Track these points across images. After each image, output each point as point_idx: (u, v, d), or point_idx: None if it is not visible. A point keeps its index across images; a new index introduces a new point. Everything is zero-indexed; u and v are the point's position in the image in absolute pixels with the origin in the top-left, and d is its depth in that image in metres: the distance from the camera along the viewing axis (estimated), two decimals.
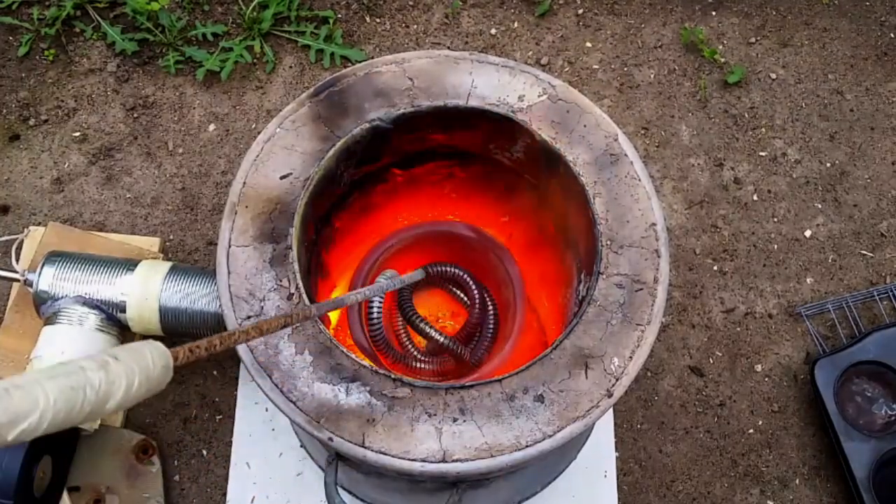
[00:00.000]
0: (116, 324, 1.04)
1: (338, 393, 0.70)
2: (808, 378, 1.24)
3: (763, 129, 1.42)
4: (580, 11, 1.50)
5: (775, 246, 1.34)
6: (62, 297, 1.03)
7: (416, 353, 1.06)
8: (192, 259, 1.29)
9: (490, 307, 1.09)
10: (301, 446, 1.11)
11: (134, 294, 1.03)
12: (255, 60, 1.43)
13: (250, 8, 1.44)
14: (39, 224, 1.27)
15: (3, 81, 1.41)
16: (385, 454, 0.68)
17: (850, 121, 1.43)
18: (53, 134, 1.38)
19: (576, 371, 0.72)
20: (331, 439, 0.68)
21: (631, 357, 0.73)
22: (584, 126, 0.83)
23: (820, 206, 1.37)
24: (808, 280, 1.32)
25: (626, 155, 0.81)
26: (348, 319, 1.02)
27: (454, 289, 1.13)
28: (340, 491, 0.74)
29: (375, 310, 0.98)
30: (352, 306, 1.01)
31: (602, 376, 0.72)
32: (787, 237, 1.34)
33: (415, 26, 1.48)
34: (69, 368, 0.38)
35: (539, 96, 0.84)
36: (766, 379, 1.26)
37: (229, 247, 0.76)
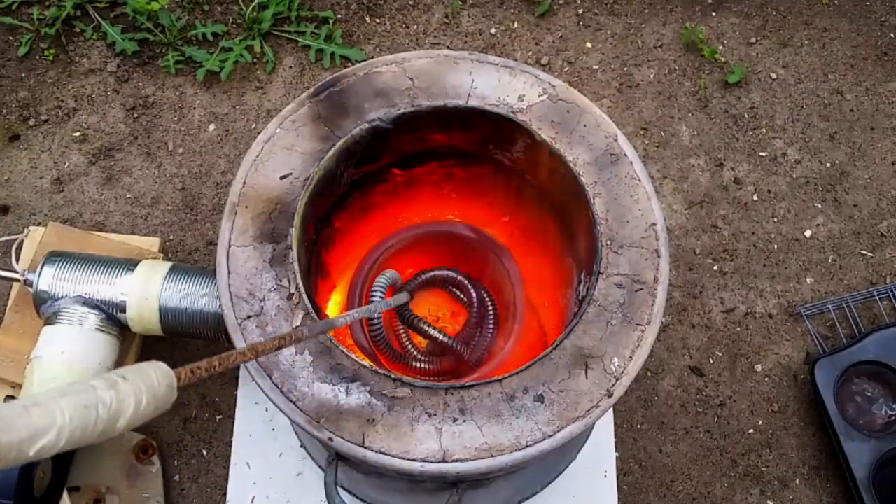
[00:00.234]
0: (116, 324, 1.04)
1: (338, 393, 0.70)
2: (808, 378, 1.24)
3: (763, 129, 1.42)
4: (580, 11, 1.50)
5: (775, 246, 1.34)
6: (62, 297, 1.03)
7: (415, 353, 1.06)
8: (192, 259, 1.29)
9: (490, 307, 1.09)
10: (301, 446, 1.11)
11: (134, 294, 1.03)
12: (255, 60, 1.43)
13: (250, 8, 1.44)
14: (39, 224, 1.27)
15: (3, 81, 1.41)
16: (385, 454, 0.68)
17: (850, 121, 1.43)
18: (53, 134, 1.38)
19: (576, 371, 0.72)
20: (331, 439, 0.68)
21: (631, 357, 0.73)
22: (584, 126, 0.83)
23: (820, 206, 1.37)
24: (808, 280, 1.32)
25: (625, 155, 0.81)
26: None
27: (453, 289, 1.13)
28: (340, 491, 0.74)
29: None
30: (352, 306, 1.01)
31: (602, 376, 0.72)
32: (787, 237, 1.34)
33: (415, 26, 1.48)
34: (81, 387, 0.40)
35: (539, 96, 0.84)
36: (766, 379, 1.26)
37: (229, 247, 0.76)
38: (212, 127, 1.38)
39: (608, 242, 0.78)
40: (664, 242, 0.78)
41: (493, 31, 1.48)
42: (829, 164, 1.40)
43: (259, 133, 0.83)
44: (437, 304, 1.14)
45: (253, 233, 0.77)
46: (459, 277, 1.08)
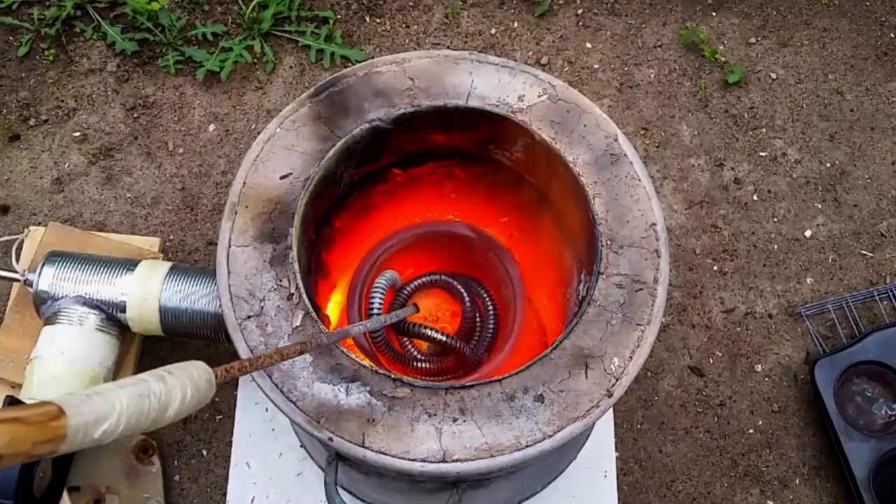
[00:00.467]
0: (116, 324, 1.04)
1: (338, 393, 0.70)
2: (808, 378, 1.24)
3: (763, 129, 1.42)
4: (580, 11, 1.50)
5: (775, 246, 1.34)
6: (62, 297, 1.03)
7: (415, 353, 1.06)
8: (192, 259, 1.29)
9: (489, 307, 1.09)
10: (301, 446, 1.11)
11: (134, 294, 1.03)
12: (255, 60, 1.43)
13: (250, 8, 1.44)
14: (39, 224, 1.27)
15: (3, 81, 1.41)
16: (385, 454, 0.68)
17: (850, 121, 1.43)
18: (53, 134, 1.38)
19: (576, 371, 0.72)
20: (331, 439, 0.68)
21: (631, 357, 0.73)
22: (584, 126, 0.83)
23: (820, 206, 1.37)
24: (808, 280, 1.32)
25: (625, 155, 0.81)
26: (348, 319, 1.02)
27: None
28: (340, 491, 0.74)
29: (375, 311, 0.98)
30: (352, 307, 1.01)
31: (602, 376, 0.72)
32: (787, 237, 1.34)
33: (415, 26, 1.48)
34: (135, 380, 0.45)
35: (539, 96, 0.84)
36: (766, 379, 1.26)
37: (229, 247, 0.76)
38: (212, 127, 1.38)
39: (608, 242, 0.78)
40: (664, 242, 0.78)
41: (493, 31, 1.48)
42: (829, 164, 1.40)
43: (259, 133, 0.83)
44: (437, 304, 1.14)
45: (253, 233, 0.77)
46: (455, 283, 1.08)
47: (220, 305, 0.80)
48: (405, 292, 1.08)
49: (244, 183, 0.79)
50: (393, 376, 0.71)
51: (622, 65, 1.46)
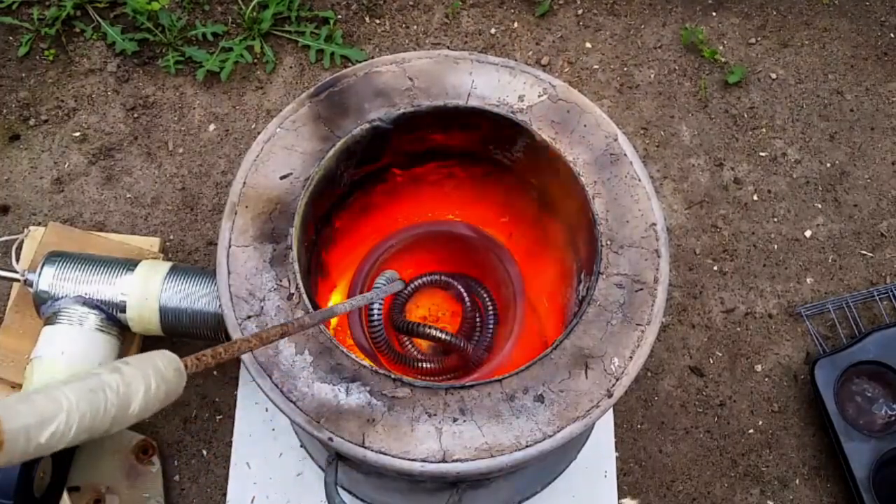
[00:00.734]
0: (116, 324, 1.04)
1: (338, 393, 0.70)
2: (808, 378, 1.24)
3: (763, 130, 1.42)
4: (580, 12, 1.50)
5: (775, 246, 1.34)
6: (62, 297, 1.03)
7: (416, 353, 1.06)
8: (192, 259, 1.29)
9: (489, 307, 1.09)
10: (301, 446, 1.11)
11: (134, 294, 1.03)
12: (255, 60, 1.43)
13: (250, 8, 1.44)
14: (39, 224, 1.27)
15: (3, 81, 1.41)
16: (385, 454, 0.68)
17: (850, 121, 1.43)
18: (53, 134, 1.38)
19: (576, 371, 0.72)
20: (331, 439, 0.68)
21: (631, 357, 0.73)
22: (584, 126, 0.83)
23: (820, 206, 1.37)
24: (808, 280, 1.32)
25: (625, 155, 0.81)
26: (348, 320, 1.02)
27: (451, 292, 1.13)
28: (340, 491, 0.74)
29: (376, 310, 0.98)
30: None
31: (602, 376, 0.72)
32: (787, 237, 1.34)
33: (415, 26, 1.48)
34: (84, 374, 0.40)
35: (539, 96, 0.84)
36: (766, 379, 1.26)
37: (229, 247, 0.76)
38: (212, 127, 1.38)
39: (608, 242, 0.78)
40: (664, 242, 0.78)
41: (493, 31, 1.48)
42: (829, 164, 1.40)
43: (259, 133, 0.83)
44: (437, 304, 1.14)
45: (253, 233, 0.77)
46: (455, 283, 1.08)
47: (220, 305, 0.80)
48: (405, 293, 1.08)
49: (244, 183, 0.79)
50: (393, 376, 0.71)
51: (622, 65, 1.46)
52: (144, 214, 1.32)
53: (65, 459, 1.06)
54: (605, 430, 1.15)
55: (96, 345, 1.02)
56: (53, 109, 1.39)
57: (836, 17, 1.52)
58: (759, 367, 1.26)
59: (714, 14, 1.51)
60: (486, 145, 0.91)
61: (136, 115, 1.39)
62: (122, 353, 1.08)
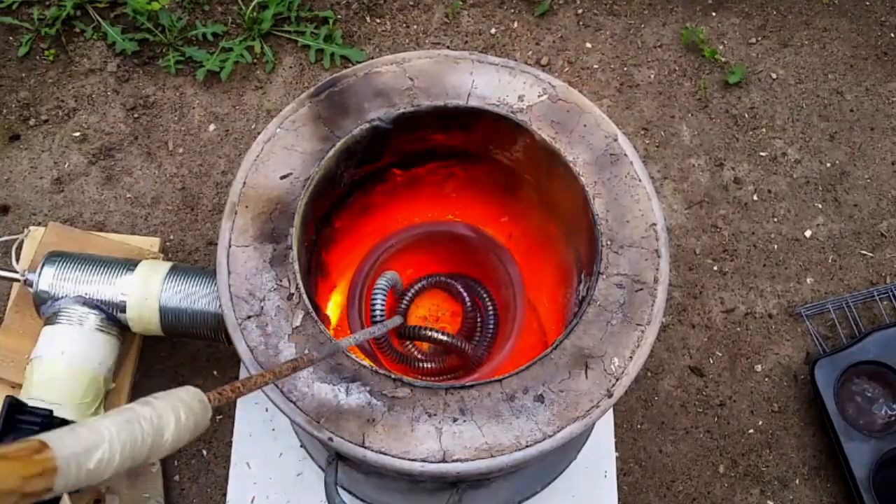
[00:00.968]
0: (116, 324, 1.04)
1: (338, 393, 0.70)
2: (808, 378, 1.24)
3: (763, 129, 1.42)
4: (580, 11, 1.50)
5: (775, 246, 1.34)
6: (62, 297, 1.03)
7: (416, 353, 1.06)
8: (192, 259, 1.29)
9: (489, 307, 1.09)
10: (301, 446, 1.11)
11: (134, 294, 1.03)
12: (255, 60, 1.43)
13: (250, 8, 1.44)
14: (39, 224, 1.27)
15: (3, 81, 1.41)
16: (385, 454, 0.68)
17: (850, 121, 1.43)
18: (53, 134, 1.38)
19: (576, 371, 0.72)
20: (331, 439, 0.68)
21: (631, 357, 0.73)
22: (584, 126, 0.83)
23: (820, 206, 1.37)
24: (808, 280, 1.32)
25: (626, 155, 0.81)
26: (348, 320, 1.02)
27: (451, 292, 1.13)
28: (340, 491, 0.74)
29: (378, 312, 0.98)
30: (352, 307, 1.01)
31: (602, 376, 0.72)
32: (787, 237, 1.34)
33: (415, 26, 1.48)
34: (119, 409, 0.44)
35: (539, 96, 0.84)
36: (766, 379, 1.26)
37: (229, 247, 0.76)
38: (212, 127, 1.38)
39: (608, 242, 0.78)
40: (664, 242, 0.78)
41: (493, 31, 1.48)
42: (829, 164, 1.40)
43: (259, 133, 0.83)
44: (437, 304, 1.14)
45: (253, 233, 0.77)
46: (456, 284, 1.08)
47: (220, 305, 0.80)
48: (406, 298, 1.08)
49: (244, 183, 0.79)
50: (393, 376, 0.71)
51: (622, 65, 1.46)
52: (144, 214, 1.32)
53: None
54: (605, 430, 1.15)
55: (96, 345, 1.02)
56: (53, 109, 1.39)
57: (836, 17, 1.52)
58: (759, 367, 1.26)
59: (714, 14, 1.51)
60: (486, 145, 0.91)
61: (136, 115, 1.39)
62: (122, 353, 1.08)
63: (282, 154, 0.81)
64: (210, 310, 1.03)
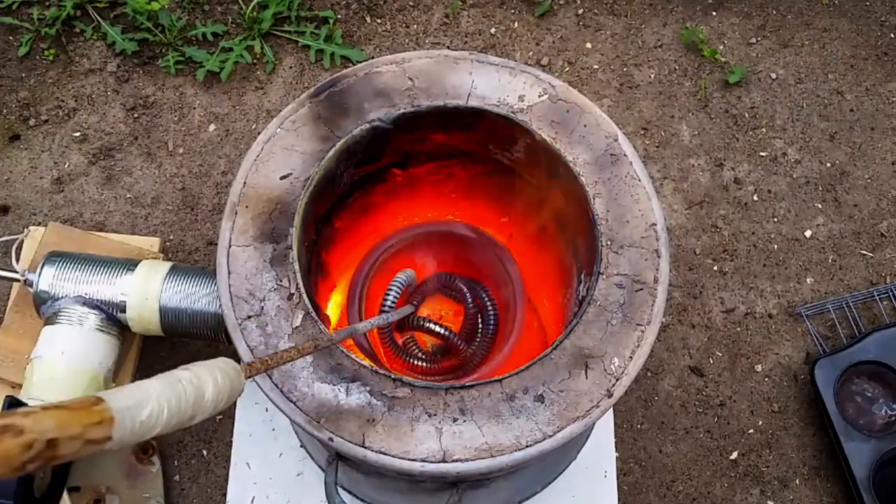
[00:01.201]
0: (116, 324, 1.04)
1: (338, 393, 0.70)
2: (808, 378, 1.24)
3: (763, 130, 1.42)
4: (580, 11, 1.50)
5: (775, 246, 1.34)
6: (62, 297, 1.03)
7: (417, 351, 1.06)
8: (192, 259, 1.29)
9: (489, 307, 1.09)
10: (301, 446, 1.11)
11: (134, 294, 1.03)
12: (255, 61, 1.43)
13: (250, 8, 1.44)
14: (39, 224, 1.27)
15: (3, 81, 1.41)
16: (385, 454, 0.68)
17: (850, 121, 1.43)
18: (53, 134, 1.38)
19: (576, 371, 0.72)
20: (331, 439, 0.68)
21: (631, 357, 0.73)
22: (584, 126, 0.83)
23: (820, 206, 1.37)
24: (808, 280, 1.32)
25: (626, 155, 0.81)
26: (348, 320, 1.02)
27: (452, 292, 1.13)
28: (340, 491, 0.74)
29: (389, 304, 0.99)
30: (352, 307, 1.01)
31: (602, 376, 0.72)
32: (787, 237, 1.34)
33: (415, 26, 1.48)
34: (160, 375, 0.46)
35: (539, 96, 0.84)
36: (766, 379, 1.26)
37: (229, 247, 0.76)
38: (212, 127, 1.38)
39: (608, 242, 0.78)
40: (664, 242, 0.78)
41: (493, 31, 1.48)
42: (829, 164, 1.40)
43: (259, 133, 0.83)
44: (438, 304, 1.14)
45: (253, 233, 0.77)
46: (460, 285, 1.09)
47: (220, 305, 0.80)
48: (418, 296, 1.09)
49: (244, 183, 0.79)
50: (393, 376, 0.71)
51: (622, 65, 1.46)
52: (144, 214, 1.32)
53: None
54: (605, 430, 1.15)
55: (96, 345, 1.02)
56: (53, 109, 1.39)
57: (836, 17, 1.52)
58: (759, 367, 1.26)
59: (714, 14, 1.51)
60: (486, 145, 0.91)
61: (136, 115, 1.39)
62: (122, 353, 1.08)
63: (282, 154, 0.81)
64: (210, 310, 1.03)
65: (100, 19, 1.44)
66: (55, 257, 1.05)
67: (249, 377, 0.55)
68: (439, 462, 0.68)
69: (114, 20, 1.45)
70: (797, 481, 1.21)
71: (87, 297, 1.03)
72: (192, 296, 1.03)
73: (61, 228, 1.17)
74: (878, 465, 1.14)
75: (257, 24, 1.43)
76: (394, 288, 0.98)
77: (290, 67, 1.43)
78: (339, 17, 1.48)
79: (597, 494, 1.11)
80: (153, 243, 1.22)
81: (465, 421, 0.70)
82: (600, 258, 0.77)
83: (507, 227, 1.07)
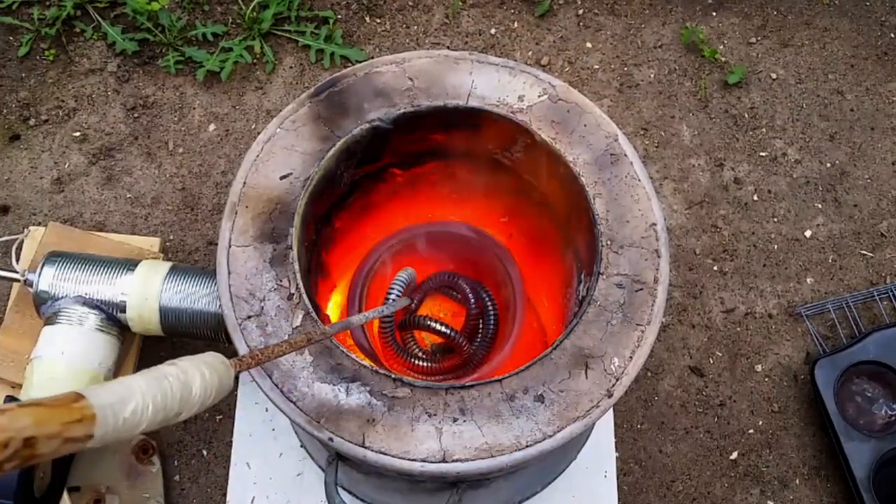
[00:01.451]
0: (116, 324, 1.04)
1: (338, 393, 0.70)
2: (808, 378, 1.24)
3: (763, 130, 1.42)
4: (580, 11, 1.50)
5: (775, 246, 1.34)
6: (62, 297, 1.03)
7: (418, 350, 1.06)
8: (192, 259, 1.29)
9: (489, 307, 1.09)
10: (301, 446, 1.11)
11: (134, 294, 1.03)
12: (255, 60, 1.43)
13: (250, 8, 1.44)
14: (39, 224, 1.27)
15: (3, 81, 1.41)
16: (385, 454, 0.68)
17: (850, 121, 1.43)
18: (53, 134, 1.38)
19: (576, 371, 0.72)
20: (331, 439, 0.68)
21: (631, 357, 0.73)
22: (584, 126, 0.83)
23: (820, 206, 1.37)
24: (808, 280, 1.32)
25: (626, 155, 0.81)
26: None
27: (453, 292, 1.13)
28: (340, 491, 0.74)
29: (391, 300, 0.99)
30: (352, 307, 1.01)
31: (602, 376, 0.72)
32: (787, 237, 1.34)
33: (415, 26, 1.48)
34: (144, 371, 0.46)
35: (539, 96, 0.84)
36: (766, 379, 1.26)
37: (229, 247, 0.76)
38: (212, 127, 1.38)
39: (608, 242, 0.78)
40: (664, 242, 0.78)
41: (493, 31, 1.48)
42: (829, 164, 1.40)
43: (259, 133, 0.83)
44: (438, 304, 1.14)
45: (253, 233, 0.77)
46: (460, 282, 1.09)
47: (220, 305, 0.80)
48: (419, 294, 1.09)
49: (244, 183, 0.79)
50: (393, 376, 0.71)
51: (622, 65, 1.46)
52: (144, 214, 1.32)
53: (65, 459, 1.05)
54: (605, 430, 1.14)
55: (96, 345, 1.02)
56: (53, 109, 1.39)
57: (836, 17, 1.52)
58: (759, 367, 1.26)
59: (714, 14, 1.51)
60: (486, 145, 0.91)
61: (136, 115, 1.39)
62: (122, 353, 1.08)
63: (282, 154, 0.81)
64: (210, 310, 1.03)
65: (100, 19, 1.44)
66: (55, 257, 1.05)
67: (240, 372, 0.54)
68: (439, 462, 0.68)
69: (114, 20, 1.45)
70: (797, 481, 1.21)
71: (87, 297, 1.03)
72: (192, 296, 1.03)
73: (61, 228, 1.17)
74: (878, 465, 1.14)
75: (257, 24, 1.43)
76: (396, 286, 0.97)
77: (290, 67, 1.43)
78: (339, 17, 1.48)
79: (597, 494, 1.11)
80: (153, 243, 1.22)
81: (465, 421, 0.70)
82: (600, 258, 0.77)
83: (507, 227, 1.07)
